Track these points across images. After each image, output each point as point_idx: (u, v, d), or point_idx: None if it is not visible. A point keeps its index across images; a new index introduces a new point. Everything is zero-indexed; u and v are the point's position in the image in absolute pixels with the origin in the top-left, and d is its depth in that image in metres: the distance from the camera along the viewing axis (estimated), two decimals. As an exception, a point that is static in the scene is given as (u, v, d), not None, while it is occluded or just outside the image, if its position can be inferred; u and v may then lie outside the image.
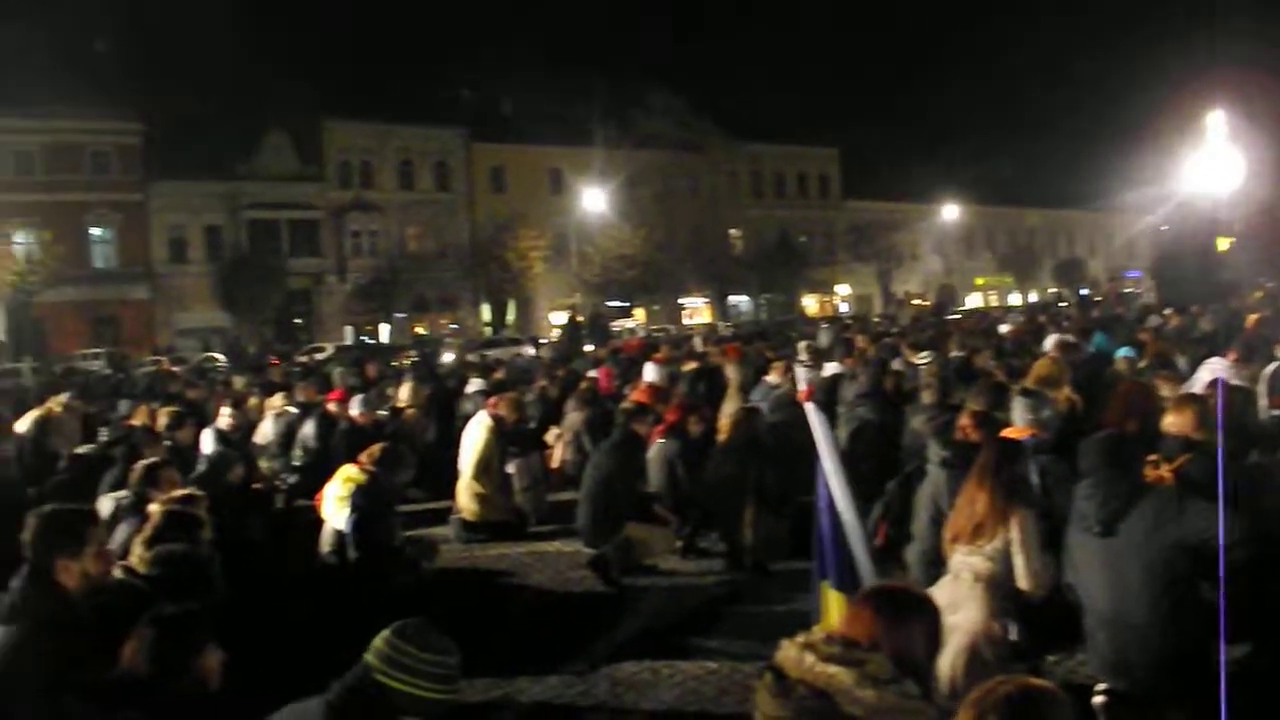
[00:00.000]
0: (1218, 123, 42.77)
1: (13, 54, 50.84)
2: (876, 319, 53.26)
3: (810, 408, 5.59)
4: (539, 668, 7.59)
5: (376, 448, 10.03)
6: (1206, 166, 40.29)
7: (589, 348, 29.25)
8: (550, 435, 13.96)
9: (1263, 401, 9.93)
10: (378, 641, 3.69)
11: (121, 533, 6.98)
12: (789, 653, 3.42)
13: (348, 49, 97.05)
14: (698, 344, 24.20)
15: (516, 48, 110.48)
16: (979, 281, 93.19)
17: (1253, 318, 18.31)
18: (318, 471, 12.27)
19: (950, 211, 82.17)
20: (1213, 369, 9.71)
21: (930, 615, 3.69)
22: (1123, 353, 12.86)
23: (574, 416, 13.79)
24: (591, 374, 16.81)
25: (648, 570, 10.01)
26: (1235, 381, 9.18)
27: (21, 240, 55.74)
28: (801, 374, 7.63)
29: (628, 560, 9.81)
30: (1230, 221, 46.68)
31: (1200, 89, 43.02)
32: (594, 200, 62.98)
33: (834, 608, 4.95)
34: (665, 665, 7.56)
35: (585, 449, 12.62)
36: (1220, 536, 5.09)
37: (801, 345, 17.44)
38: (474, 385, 16.26)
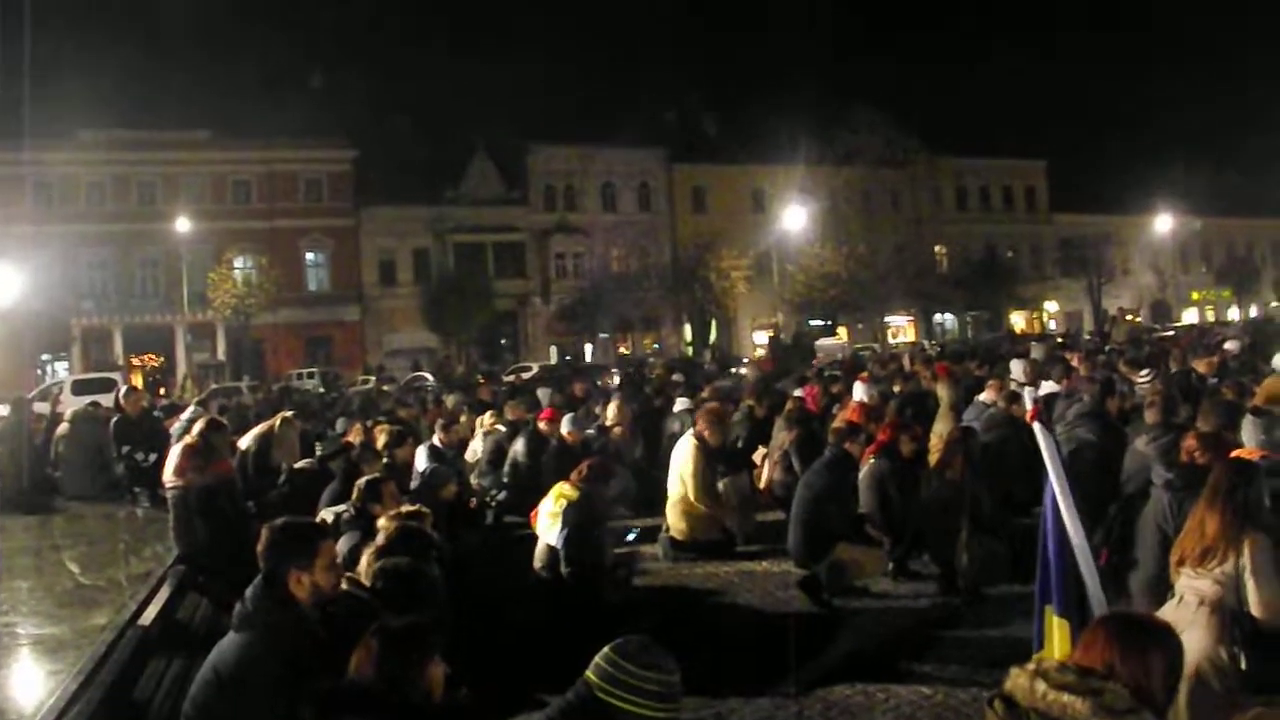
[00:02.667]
0: None
1: (234, 89, 53.21)
2: (1087, 336, 51.78)
3: (1038, 428, 5.45)
4: (750, 688, 7.53)
5: (586, 464, 10.15)
6: None
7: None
8: (758, 455, 13.91)
9: None
10: (599, 659, 3.68)
11: (342, 545, 7.17)
12: (1019, 680, 3.33)
13: (552, 73, 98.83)
14: (907, 363, 23.84)
15: (720, 68, 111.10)
16: (1195, 296, 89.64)
17: None
18: (527, 488, 12.51)
19: (1164, 223, 79.15)
20: None
21: (1172, 646, 3.56)
22: (1360, 370, 12.23)
23: (782, 436, 13.69)
24: (798, 393, 16.69)
25: (859, 592, 9.89)
26: None
27: (241, 265, 58.43)
28: (1028, 394, 7.41)
29: (839, 581, 9.71)
30: None
31: None
32: (796, 219, 62.64)
33: (1058, 635, 4.80)
34: (879, 689, 7.45)
35: (793, 469, 12.53)
36: None
37: (1017, 364, 17.00)
38: (680, 404, 16.30)
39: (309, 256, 63.63)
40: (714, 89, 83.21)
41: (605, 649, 3.69)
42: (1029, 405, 6.00)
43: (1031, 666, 3.37)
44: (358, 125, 61.88)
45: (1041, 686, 3.25)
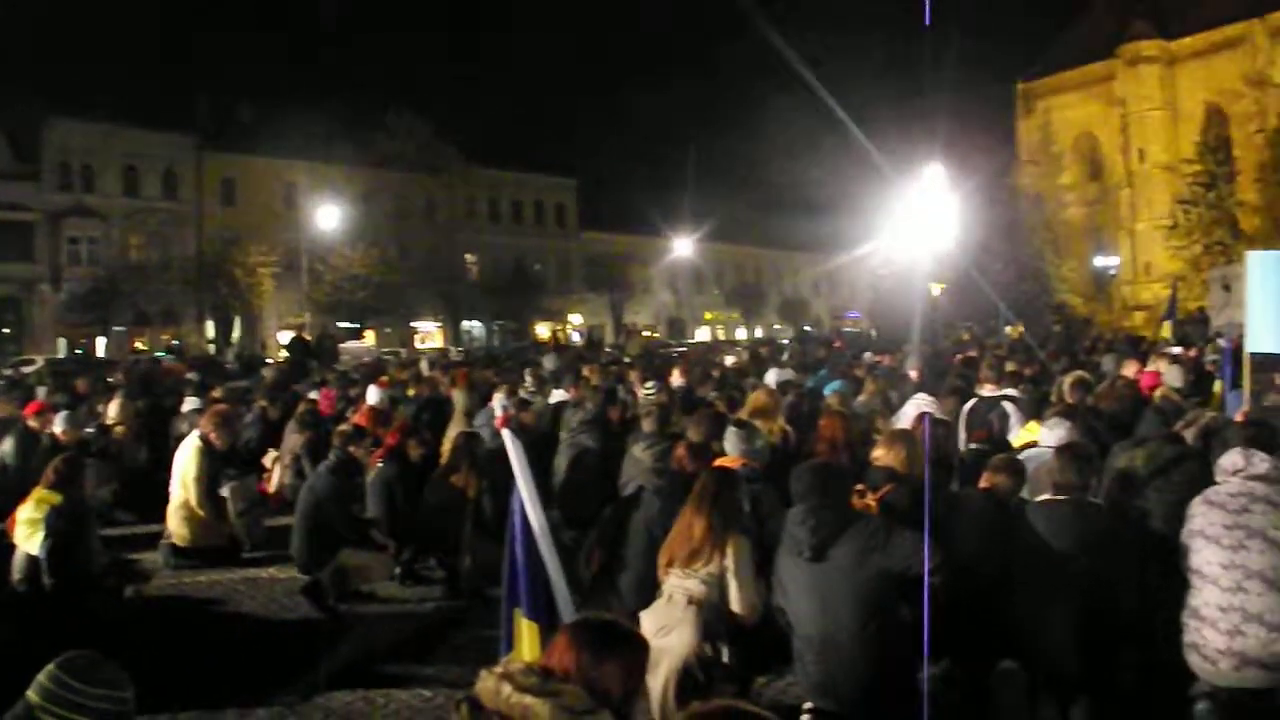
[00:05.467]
0: (934, 176, 45.32)
1: None
2: (607, 349, 53.87)
3: (506, 434, 5.53)
4: (248, 699, 7.36)
5: (60, 461, 9.51)
6: (922, 217, 42.59)
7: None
8: (268, 458, 13.60)
9: (962, 435, 10.44)
10: (42, 676, 3.50)
11: None
12: (486, 683, 3.37)
13: (77, 46, 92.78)
14: (424, 368, 23.91)
15: (259, 58, 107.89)
16: (708, 316, 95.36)
17: (958, 358, 19.29)
18: (16, 492, 11.61)
19: (682, 247, 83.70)
20: (918, 404, 10.10)
21: (634, 649, 3.64)
22: (833, 387, 13.21)
23: (293, 439, 13.50)
24: (312, 396, 16.43)
25: (364, 597, 9.85)
26: (938, 416, 9.57)
27: None
28: (498, 401, 7.56)
29: (343, 586, 9.63)
30: (941, 269, 49.41)
31: (919, 145, 45.44)
32: (328, 217, 61.73)
33: (527, 638, 4.89)
34: (380, 694, 7.47)
35: (304, 472, 12.32)
36: (925, 563, 5.32)
37: (527, 372, 17.42)
38: (189, 404, 15.66)
39: None
40: (250, 76, 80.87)
41: (50, 666, 3.49)
42: (499, 413, 6.11)
43: (499, 669, 3.42)
44: None
45: (506, 689, 3.31)
